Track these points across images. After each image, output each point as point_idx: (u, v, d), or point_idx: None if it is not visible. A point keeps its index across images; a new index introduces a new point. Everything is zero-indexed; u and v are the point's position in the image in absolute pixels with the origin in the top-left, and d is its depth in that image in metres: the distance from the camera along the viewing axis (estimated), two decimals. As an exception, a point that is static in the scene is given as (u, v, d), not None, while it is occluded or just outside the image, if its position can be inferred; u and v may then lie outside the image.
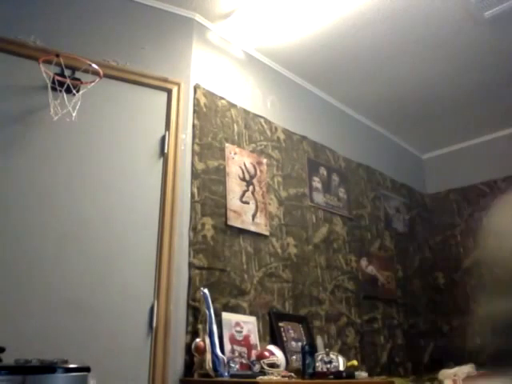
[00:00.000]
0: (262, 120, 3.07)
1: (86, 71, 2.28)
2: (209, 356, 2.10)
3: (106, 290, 2.14)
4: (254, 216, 2.76)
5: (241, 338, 2.38)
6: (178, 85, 2.62)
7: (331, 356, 2.42)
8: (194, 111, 2.65)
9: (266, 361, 2.22)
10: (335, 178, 3.50)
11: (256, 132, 3.00)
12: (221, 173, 2.68)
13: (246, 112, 2.98)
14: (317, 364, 2.34)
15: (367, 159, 3.89)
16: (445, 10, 2.80)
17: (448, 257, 4.20)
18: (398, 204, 4.08)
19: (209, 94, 2.76)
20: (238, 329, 2.40)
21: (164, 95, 2.58)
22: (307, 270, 3.01)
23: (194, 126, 2.63)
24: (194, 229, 2.43)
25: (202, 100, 2.71)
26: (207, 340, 2.14)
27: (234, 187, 2.72)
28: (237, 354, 2.30)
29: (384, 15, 2.84)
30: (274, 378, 2.08)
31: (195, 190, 2.51)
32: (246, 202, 2.75)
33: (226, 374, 2.09)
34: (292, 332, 2.69)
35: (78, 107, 2.21)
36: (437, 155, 4.61)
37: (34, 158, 2.16)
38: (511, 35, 3.03)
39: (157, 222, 2.35)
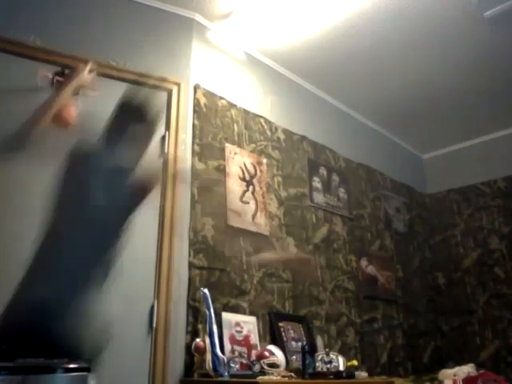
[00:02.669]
0: (262, 120, 3.07)
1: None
2: (209, 356, 2.10)
3: (106, 290, 2.13)
4: (254, 216, 2.76)
5: (241, 338, 2.38)
6: (178, 85, 2.62)
7: (331, 356, 2.42)
8: (194, 111, 2.65)
9: (266, 361, 2.21)
10: (335, 178, 3.50)
11: (256, 132, 3.00)
12: (221, 173, 2.68)
13: (246, 112, 2.98)
14: (317, 364, 2.34)
15: (367, 159, 3.89)
16: (445, 10, 2.80)
17: (448, 257, 4.20)
18: (398, 204, 4.08)
19: (209, 94, 2.76)
20: (238, 329, 2.40)
21: (164, 95, 2.58)
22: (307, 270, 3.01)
23: (194, 125, 2.63)
24: (193, 229, 2.43)
25: (202, 100, 2.71)
26: (207, 340, 2.14)
27: (234, 187, 2.72)
28: (237, 353, 2.30)
29: (384, 15, 2.84)
30: (274, 377, 2.08)
31: (195, 190, 2.51)
32: (246, 202, 2.75)
33: (226, 374, 2.09)
34: (292, 332, 2.69)
35: (77, 107, 2.21)
36: (437, 155, 4.61)
37: (34, 158, 2.16)
38: (511, 35, 3.03)
39: (157, 222, 2.35)
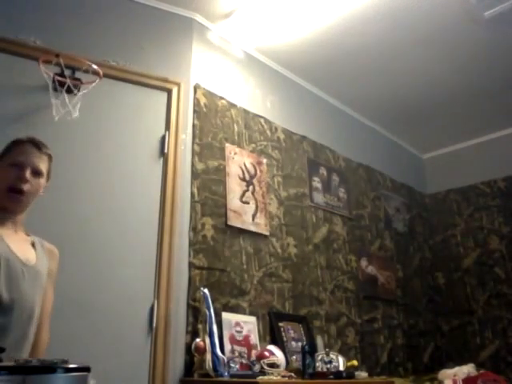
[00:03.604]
0: (262, 120, 3.07)
1: (86, 71, 2.28)
2: (209, 356, 2.10)
3: (106, 290, 2.14)
4: (254, 216, 2.76)
5: (241, 338, 2.38)
6: (178, 85, 2.62)
7: (331, 356, 2.42)
8: (194, 111, 2.65)
9: (266, 361, 2.21)
10: (335, 178, 3.50)
11: (256, 132, 3.00)
12: (221, 173, 2.68)
13: (246, 112, 2.98)
14: (317, 364, 2.34)
15: (367, 159, 3.89)
16: (445, 10, 2.80)
17: (448, 257, 4.20)
18: (398, 204, 4.08)
19: (209, 94, 2.76)
20: (238, 329, 2.41)
21: (164, 95, 2.58)
22: (307, 270, 3.01)
23: (194, 125, 2.63)
24: (193, 229, 2.43)
25: (202, 100, 2.71)
26: (207, 340, 2.14)
27: (234, 187, 2.72)
28: (237, 353, 2.30)
29: (384, 15, 2.84)
30: (274, 377, 2.08)
31: (195, 190, 2.51)
32: (246, 202, 2.75)
33: (226, 373, 2.09)
34: (292, 332, 2.69)
35: (78, 107, 2.22)
36: (437, 155, 4.61)
37: (34, 158, 2.16)
38: (511, 35, 3.03)
39: (157, 222, 2.35)
